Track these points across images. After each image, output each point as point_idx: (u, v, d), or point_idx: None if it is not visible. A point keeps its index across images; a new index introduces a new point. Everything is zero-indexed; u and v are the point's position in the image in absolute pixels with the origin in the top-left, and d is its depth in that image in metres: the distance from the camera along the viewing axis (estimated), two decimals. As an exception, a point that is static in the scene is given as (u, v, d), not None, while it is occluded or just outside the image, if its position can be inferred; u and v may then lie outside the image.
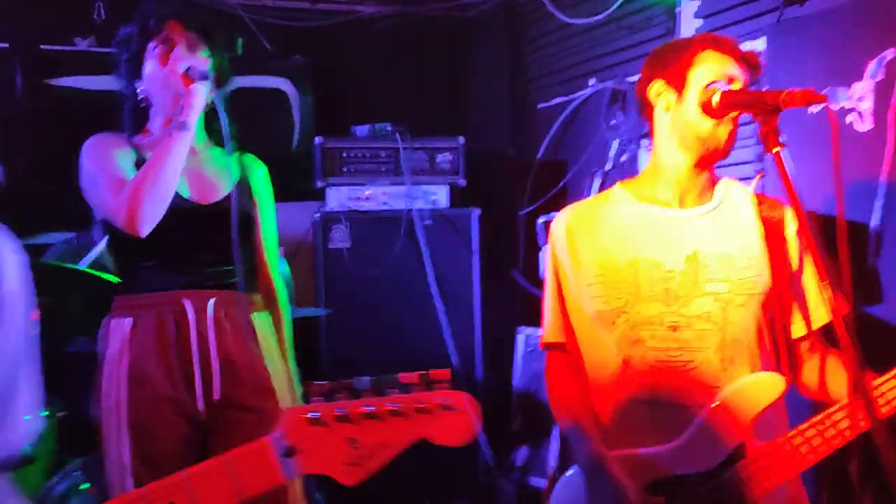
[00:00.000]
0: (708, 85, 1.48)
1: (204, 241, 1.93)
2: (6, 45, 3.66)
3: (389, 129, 3.69)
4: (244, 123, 4.14)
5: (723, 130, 1.60)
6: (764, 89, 2.96)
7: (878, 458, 1.26)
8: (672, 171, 1.67)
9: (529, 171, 4.02)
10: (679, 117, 1.64)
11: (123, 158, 1.91)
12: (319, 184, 3.62)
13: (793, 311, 1.70)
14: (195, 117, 1.85)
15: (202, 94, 1.85)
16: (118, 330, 1.91)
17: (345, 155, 3.64)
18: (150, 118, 1.99)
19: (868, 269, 2.61)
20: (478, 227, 3.66)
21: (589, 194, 3.48)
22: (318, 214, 3.58)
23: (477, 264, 3.65)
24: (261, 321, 2.00)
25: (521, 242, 3.78)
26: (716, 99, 1.37)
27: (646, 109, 1.70)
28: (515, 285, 3.71)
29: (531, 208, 3.84)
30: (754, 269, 1.65)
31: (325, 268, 3.55)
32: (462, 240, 3.64)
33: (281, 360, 2.02)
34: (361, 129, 3.74)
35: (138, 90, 1.96)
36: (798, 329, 1.71)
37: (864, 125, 2.64)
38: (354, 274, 3.52)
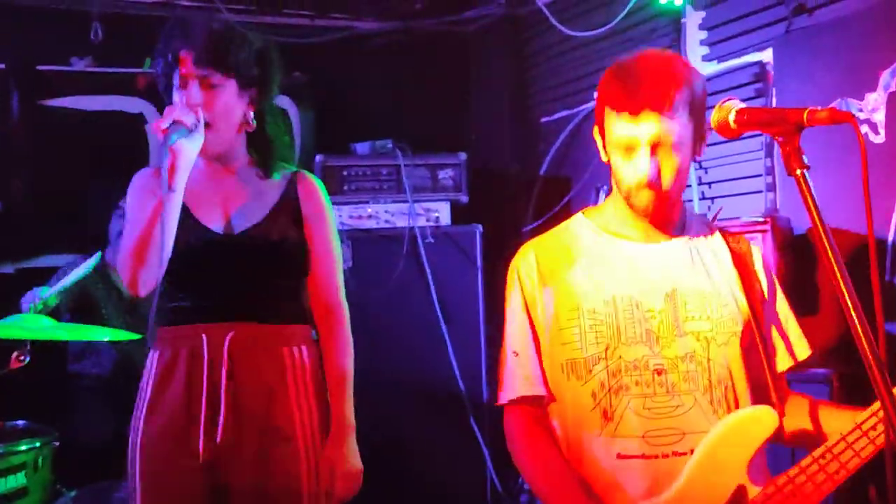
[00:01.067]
0: (722, 102, 1.39)
1: (229, 273, 1.84)
2: (2, 65, 3.62)
3: (390, 145, 3.64)
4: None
5: (637, 200, 1.52)
6: (773, 102, 2.92)
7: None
8: (628, 210, 1.59)
9: (533, 186, 3.97)
10: (612, 174, 1.59)
11: (152, 204, 1.79)
12: (320, 202, 3.56)
13: (774, 344, 1.62)
14: (180, 177, 1.71)
15: (184, 153, 1.70)
16: (149, 362, 1.89)
17: (346, 173, 3.58)
18: None
19: (886, 285, 2.54)
20: (481, 244, 3.60)
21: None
22: (318, 234, 3.52)
23: (481, 282, 3.58)
24: (295, 354, 1.89)
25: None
26: (732, 118, 1.28)
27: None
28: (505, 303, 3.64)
29: (535, 224, 3.78)
30: (732, 306, 1.57)
31: (327, 288, 3.48)
32: (465, 257, 3.58)
33: (317, 396, 1.90)
34: (362, 147, 3.68)
35: None
36: (783, 362, 1.62)
37: (878, 137, 2.58)
38: (356, 294, 3.43)
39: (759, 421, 1.45)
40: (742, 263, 1.60)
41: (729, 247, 1.62)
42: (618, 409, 1.50)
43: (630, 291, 1.55)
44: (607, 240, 1.60)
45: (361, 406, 3.47)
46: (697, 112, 1.53)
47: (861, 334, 1.03)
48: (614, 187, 1.61)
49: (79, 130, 3.67)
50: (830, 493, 2.28)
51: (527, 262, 1.62)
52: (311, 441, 1.85)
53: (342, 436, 1.89)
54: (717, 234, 1.65)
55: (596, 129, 1.62)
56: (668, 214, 1.59)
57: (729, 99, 1.33)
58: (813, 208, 1.09)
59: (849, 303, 1.04)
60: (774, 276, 1.67)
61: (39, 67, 3.65)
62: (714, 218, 2.77)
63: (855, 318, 1.03)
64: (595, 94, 1.60)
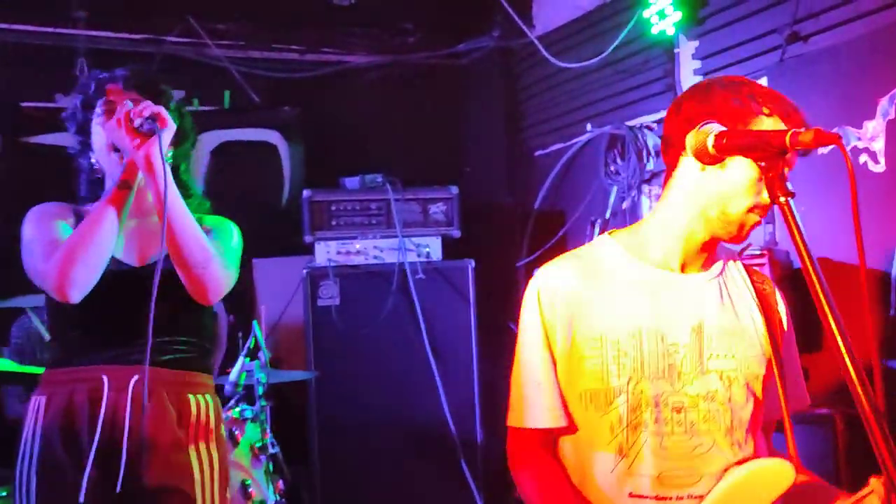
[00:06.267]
0: (701, 125, 1.29)
1: (135, 309, 1.70)
2: (-14, 102, 3.59)
3: (380, 180, 3.56)
4: (233, 178, 4.00)
5: (752, 219, 1.41)
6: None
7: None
8: (682, 236, 1.46)
9: (527, 220, 3.88)
10: (713, 185, 1.40)
11: (63, 226, 1.77)
12: (308, 238, 3.48)
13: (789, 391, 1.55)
14: (158, 171, 1.67)
15: (155, 148, 1.67)
16: (33, 409, 1.74)
17: (334, 208, 3.50)
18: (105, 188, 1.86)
19: (890, 319, 2.43)
20: (473, 279, 3.50)
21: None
22: (305, 270, 3.43)
23: (473, 319, 3.47)
24: (201, 403, 1.79)
25: (520, 295, 3.61)
26: (710, 142, 1.19)
27: (671, 150, 1.44)
28: (515, 341, 3.53)
29: (530, 259, 3.69)
30: (756, 348, 1.50)
31: (314, 326, 3.39)
32: (457, 293, 3.48)
33: (219, 454, 1.80)
34: (351, 181, 3.61)
35: (93, 160, 1.84)
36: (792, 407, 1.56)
37: (878, 166, 2.49)
38: (344, 332, 3.35)
39: (777, 474, 1.38)
40: (766, 305, 1.52)
41: (754, 286, 1.54)
42: (634, 446, 1.43)
43: (656, 323, 1.45)
44: (637, 266, 1.49)
45: (348, 448, 3.37)
46: None
47: (854, 375, 0.92)
48: (674, 214, 1.45)
49: (63, 168, 3.60)
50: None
51: (548, 287, 1.48)
52: (210, 496, 1.75)
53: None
54: (744, 272, 1.57)
55: (715, 126, 1.33)
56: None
57: (707, 122, 1.23)
58: (798, 238, 0.99)
59: (839, 339, 0.93)
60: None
61: (24, 104, 3.61)
62: (741, 252, 2.66)
63: (846, 356, 0.92)
64: (733, 99, 1.36)
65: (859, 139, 2.53)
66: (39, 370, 2.63)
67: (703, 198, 1.40)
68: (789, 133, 1.05)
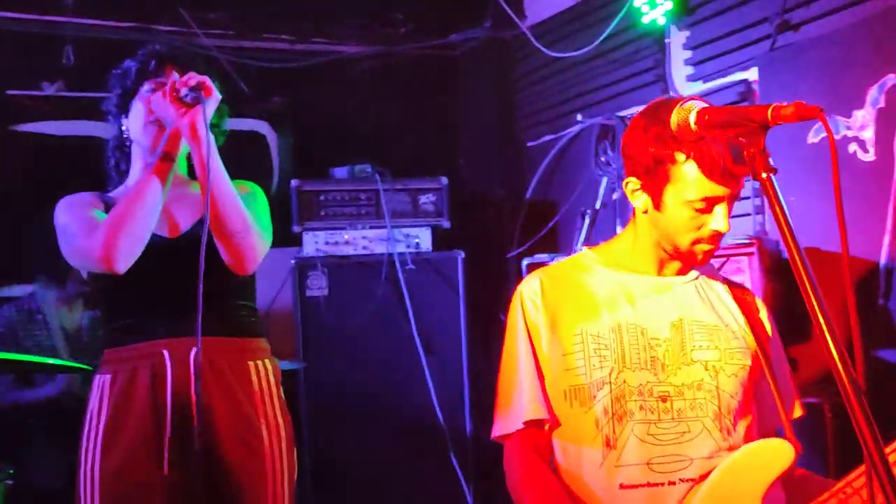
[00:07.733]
0: (682, 102, 1.27)
1: (183, 277, 1.74)
2: (-28, 90, 3.55)
3: (369, 170, 3.54)
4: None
5: (702, 248, 1.49)
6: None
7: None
8: (651, 251, 1.55)
9: (518, 211, 3.86)
10: (656, 224, 1.50)
11: (97, 212, 1.81)
12: (296, 228, 3.46)
13: (784, 390, 1.58)
14: (202, 138, 1.68)
15: (199, 116, 1.68)
16: (97, 387, 1.79)
17: (322, 198, 3.48)
18: (130, 168, 1.89)
19: (879, 309, 2.42)
20: (463, 270, 3.48)
21: (579, 234, 3.31)
22: (293, 261, 3.41)
23: (463, 310, 3.45)
24: (261, 369, 1.83)
25: (510, 286, 3.60)
26: (693, 119, 1.18)
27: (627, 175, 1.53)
28: (504, 334, 3.51)
29: (520, 250, 3.67)
30: (740, 342, 1.53)
31: (303, 317, 3.37)
32: (447, 284, 3.46)
33: (283, 415, 1.84)
34: (340, 171, 3.59)
35: (124, 127, 1.86)
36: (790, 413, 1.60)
37: (868, 155, 2.48)
38: (332, 323, 3.33)
39: (776, 453, 1.41)
40: (748, 311, 1.58)
41: (733, 295, 1.60)
42: (621, 437, 1.45)
43: (636, 319, 1.51)
44: (616, 274, 1.57)
45: (337, 438, 3.35)
46: None
47: (836, 358, 0.91)
48: (641, 235, 1.54)
49: (49, 156, 3.57)
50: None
51: (531, 288, 1.56)
52: (279, 461, 1.80)
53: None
54: (722, 283, 1.63)
55: (632, 182, 1.51)
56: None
57: (690, 98, 1.22)
58: (781, 215, 0.98)
59: (821, 321, 0.92)
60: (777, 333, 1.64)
61: (10, 92, 3.57)
62: (720, 268, 2.68)
63: (828, 337, 0.91)
64: (649, 147, 1.46)
65: (849, 128, 2.51)
66: (29, 357, 2.62)
67: (654, 233, 1.51)
68: (771, 107, 1.03)
